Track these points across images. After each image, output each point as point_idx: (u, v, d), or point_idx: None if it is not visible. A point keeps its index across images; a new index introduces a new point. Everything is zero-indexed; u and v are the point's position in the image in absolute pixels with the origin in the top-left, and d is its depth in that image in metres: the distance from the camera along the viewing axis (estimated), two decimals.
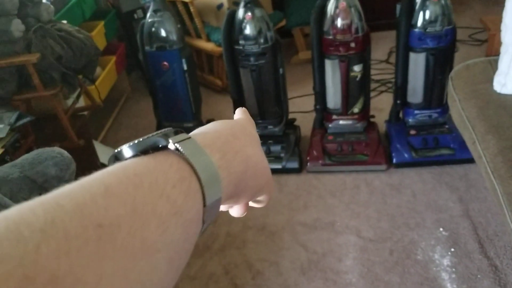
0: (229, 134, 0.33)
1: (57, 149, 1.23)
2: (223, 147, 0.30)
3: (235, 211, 0.37)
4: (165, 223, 0.23)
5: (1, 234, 0.18)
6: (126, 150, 0.27)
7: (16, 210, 0.19)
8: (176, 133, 0.28)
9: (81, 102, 2.24)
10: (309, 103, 2.64)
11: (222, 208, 0.35)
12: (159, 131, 0.28)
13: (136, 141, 0.27)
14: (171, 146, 0.27)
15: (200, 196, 0.27)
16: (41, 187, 1.19)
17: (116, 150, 0.27)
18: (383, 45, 3.17)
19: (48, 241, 0.18)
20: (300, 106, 2.67)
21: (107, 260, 0.20)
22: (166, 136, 0.27)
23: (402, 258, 1.68)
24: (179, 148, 0.27)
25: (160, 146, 0.27)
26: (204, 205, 0.27)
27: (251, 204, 0.39)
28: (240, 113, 0.42)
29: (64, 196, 0.21)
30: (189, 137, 0.28)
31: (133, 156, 0.27)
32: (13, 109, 1.66)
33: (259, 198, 0.38)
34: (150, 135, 0.28)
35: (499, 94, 1.52)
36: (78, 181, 0.23)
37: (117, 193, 0.22)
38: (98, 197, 0.22)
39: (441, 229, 1.77)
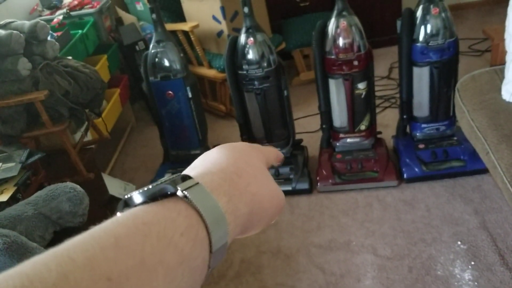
0: (233, 172, 0.32)
1: (70, 184, 1.23)
2: (229, 190, 0.31)
3: None
4: (172, 272, 0.24)
5: None
6: (136, 196, 0.27)
7: (31, 265, 0.20)
8: (184, 178, 0.29)
9: (88, 136, 2.25)
10: (314, 123, 2.65)
11: None
12: (168, 178, 0.29)
13: (145, 188, 0.27)
14: (179, 193, 0.27)
15: (207, 243, 0.27)
16: (56, 223, 1.18)
17: (126, 196, 0.28)
18: (383, 61, 3.19)
19: None
20: (306, 127, 2.67)
21: None
22: (174, 183, 0.28)
23: (422, 275, 1.65)
24: (187, 195, 0.27)
25: (169, 193, 0.28)
26: (211, 251, 0.27)
27: None
28: None
29: (76, 249, 0.22)
30: (197, 183, 0.28)
31: (143, 203, 0.27)
32: (22, 147, 1.67)
33: None
34: (159, 181, 0.28)
35: (508, 102, 1.52)
36: (89, 231, 0.23)
37: (127, 244, 0.23)
38: (108, 249, 0.22)
39: (459, 242, 1.74)
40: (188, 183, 0.28)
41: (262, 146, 0.41)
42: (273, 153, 0.41)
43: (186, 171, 0.33)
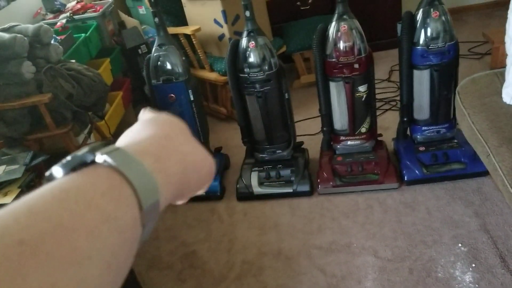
0: (162, 137, 0.33)
1: None
2: (157, 151, 0.30)
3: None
4: (95, 231, 0.23)
5: None
6: (56, 170, 0.27)
7: None
8: (106, 145, 0.28)
9: (91, 138, 2.26)
10: (314, 125, 2.66)
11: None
12: (88, 145, 0.28)
13: (64, 161, 0.27)
14: (98, 158, 0.27)
15: (135, 201, 0.27)
16: None
17: (46, 174, 0.27)
18: (383, 64, 3.21)
19: None
20: (306, 129, 2.68)
21: (32, 274, 0.20)
22: (94, 150, 0.27)
23: (423, 277, 1.66)
24: (107, 159, 0.27)
25: (89, 161, 0.27)
26: (141, 210, 0.27)
27: None
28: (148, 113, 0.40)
29: None
30: (118, 148, 0.28)
31: (65, 176, 0.27)
32: (26, 149, 1.68)
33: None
34: (78, 151, 0.28)
35: (509, 105, 1.53)
36: (5, 207, 0.23)
37: (41, 210, 0.22)
38: (21, 217, 0.22)
39: (459, 244, 1.75)
40: (108, 148, 0.28)
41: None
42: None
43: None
